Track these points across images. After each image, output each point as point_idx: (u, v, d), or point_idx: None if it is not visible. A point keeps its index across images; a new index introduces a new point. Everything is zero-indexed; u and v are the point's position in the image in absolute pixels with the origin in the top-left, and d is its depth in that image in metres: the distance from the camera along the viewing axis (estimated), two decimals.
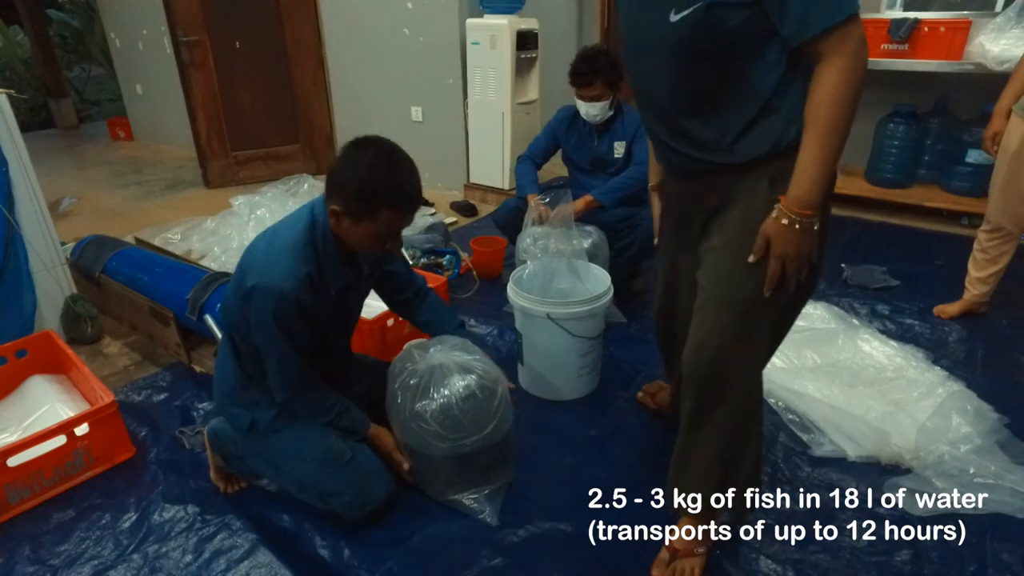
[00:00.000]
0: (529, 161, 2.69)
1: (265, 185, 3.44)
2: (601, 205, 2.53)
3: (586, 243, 2.34)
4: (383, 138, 1.44)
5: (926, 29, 3.39)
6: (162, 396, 2.16)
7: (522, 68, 3.71)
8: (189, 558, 1.51)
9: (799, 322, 2.38)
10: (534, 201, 2.43)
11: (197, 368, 2.32)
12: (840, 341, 2.29)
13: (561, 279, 2.13)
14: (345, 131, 4.67)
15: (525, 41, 3.66)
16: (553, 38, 4.19)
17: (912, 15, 3.51)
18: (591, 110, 2.48)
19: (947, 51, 3.32)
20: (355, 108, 4.52)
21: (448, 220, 3.72)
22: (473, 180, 4.08)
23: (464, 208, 3.86)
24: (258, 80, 4.46)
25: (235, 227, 3.24)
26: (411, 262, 2.69)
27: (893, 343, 2.31)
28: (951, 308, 2.60)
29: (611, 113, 2.53)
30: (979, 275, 2.52)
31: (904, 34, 3.37)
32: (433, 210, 3.89)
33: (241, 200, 3.27)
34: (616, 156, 2.61)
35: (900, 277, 2.92)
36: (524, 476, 1.75)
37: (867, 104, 3.93)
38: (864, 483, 1.72)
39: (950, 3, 3.75)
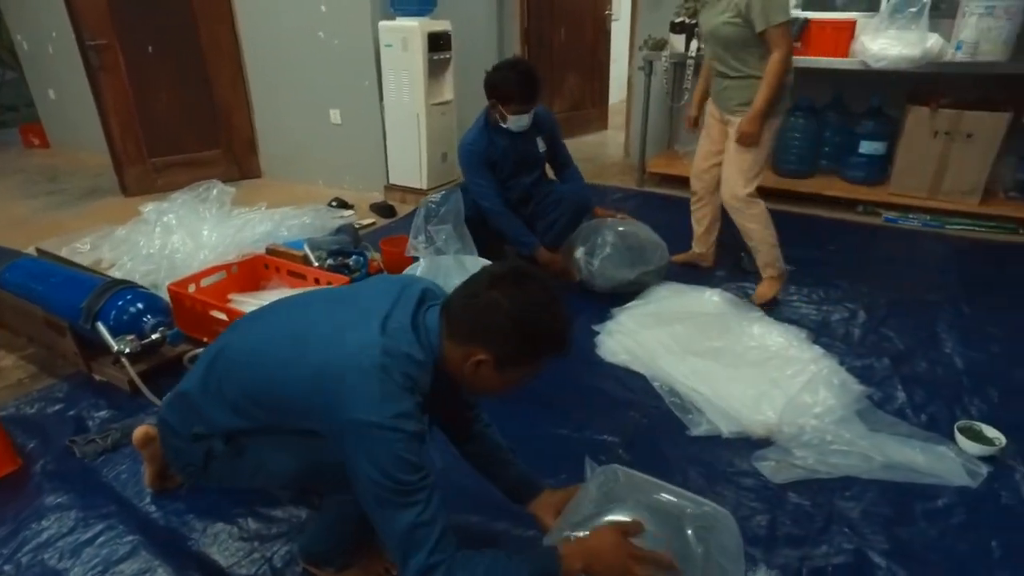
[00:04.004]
0: (502, 207, 2.67)
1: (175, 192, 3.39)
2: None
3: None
4: (530, 269, 1.22)
5: (816, 29, 3.57)
6: (56, 407, 2.13)
7: (435, 69, 3.76)
8: (67, 563, 1.51)
9: (692, 307, 2.55)
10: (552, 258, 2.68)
11: (97, 377, 2.29)
12: (729, 325, 2.41)
13: (456, 275, 2.18)
14: (267, 135, 4.63)
15: (437, 43, 3.70)
16: (470, 39, 4.24)
17: (804, 15, 3.70)
18: (526, 120, 2.59)
19: (835, 49, 3.51)
20: (276, 112, 4.49)
21: (366, 221, 3.75)
22: (393, 181, 4.11)
23: (383, 209, 3.88)
24: (174, 84, 4.38)
25: (145, 235, 3.19)
26: (316, 264, 2.70)
27: (779, 325, 2.44)
28: (678, 257, 3.04)
29: None
30: (696, 234, 3.05)
31: (795, 33, 3.54)
32: (352, 212, 3.91)
33: (151, 207, 3.22)
34: (541, 150, 2.77)
35: (795, 262, 3.06)
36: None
37: None
38: (737, 457, 1.83)
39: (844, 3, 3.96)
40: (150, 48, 4.18)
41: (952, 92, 3.49)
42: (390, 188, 4.13)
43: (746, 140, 2.55)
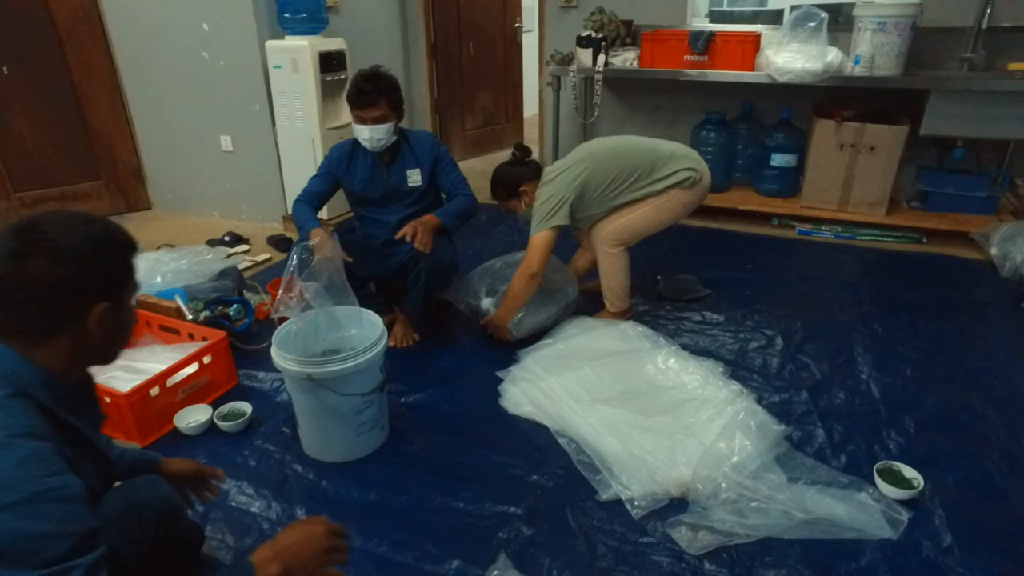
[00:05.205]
0: (305, 203, 2.49)
1: None
2: (444, 226, 2.40)
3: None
4: (21, 221, 1.01)
5: (722, 41, 3.51)
6: None
7: (330, 91, 3.50)
8: None
9: (603, 344, 2.39)
10: (318, 235, 2.27)
11: None
12: (641, 364, 2.26)
13: (327, 331, 1.95)
14: (155, 164, 4.23)
15: (330, 62, 3.45)
16: (371, 58, 3.96)
17: (710, 27, 3.64)
18: (375, 134, 2.33)
19: (740, 62, 3.46)
20: (163, 139, 4.10)
21: (261, 258, 3.45)
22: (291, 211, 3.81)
23: (280, 243, 3.59)
24: (40, 110, 3.94)
25: None
26: (190, 317, 2.41)
27: (694, 360, 2.30)
28: (591, 285, 2.76)
29: (395, 138, 2.40)
30: None
31: (702, 46, 3.48)
32: (246, 247, 3.60)
33: None
34: (411, 184, 2.48)
35: (712, 285, 2.98)
36: None
37: (682, 111, 4.08)
38: (650, 523, 1.66)
39: (746, 16, 3.94)
40: (5, 69, 3.75)
41: (854, 105, 3.49)
42: (289, 218, 3.83)
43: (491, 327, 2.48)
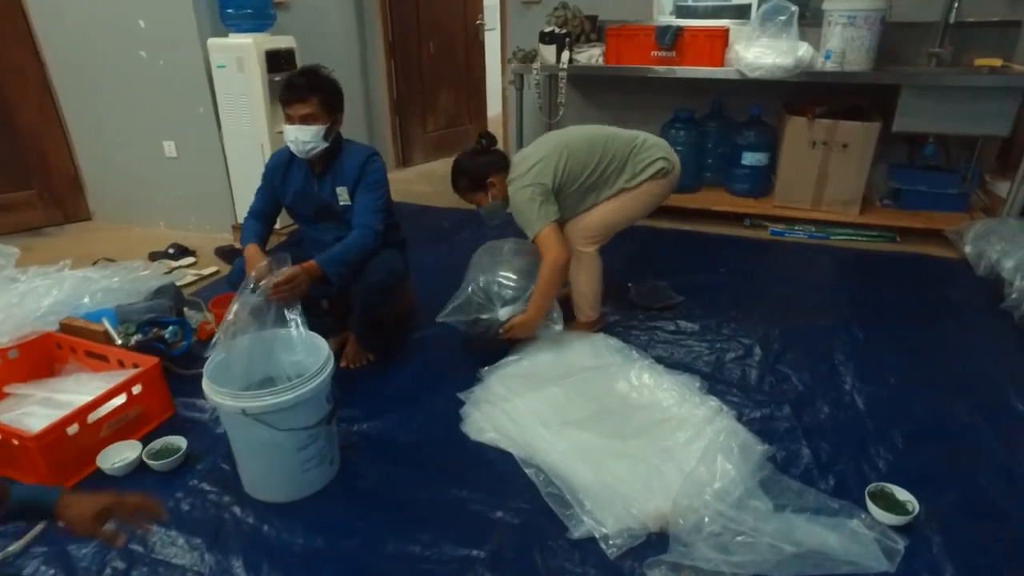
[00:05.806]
0: (252, 215, 2.31)
1: None
2: (327, 276, 2.03)
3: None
4: None
5: (690, 37, 3.39)
6: None
7: (278, 92, 3.27)
8: None
9: (572, 360, 2.23)
10: (250, 253, 2.08)
11: None
12: (613, 381, 2.12)
13: (277, 355, 1.76)
14: (94, 173, 3.96)
15: (278, 61, 3.24)
16: (325, 56, 3.74)
17: (677, 22, 3.52)
18: (301, 135, 2.07)
19: (709, 58, 3.34)
20: (102, 146, 3.83)
21: (207, 271, 3.22)
22: (241, 220, 3.58)
23: (229, 254, 3.36)
24: None
25: None
26: (119, 341, 2.19)
27: (670, 375, 2.16)
28: (562, 293, 2.55)
29: (326, 145, 2.14)
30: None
31: (669, 42, 3.36)
32: (193, 259, 3.37)
33: None
34: (342, 203, 2.22)
35: (685, 290, 2.85)
36: None
37: (650, 108, 3.95)
38: (627, 563, 1.50)
39: (712, 11, 3.84)
40: None
41: (825, 101, 3.41)
42: (239, 228, 3.59)
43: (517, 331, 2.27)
